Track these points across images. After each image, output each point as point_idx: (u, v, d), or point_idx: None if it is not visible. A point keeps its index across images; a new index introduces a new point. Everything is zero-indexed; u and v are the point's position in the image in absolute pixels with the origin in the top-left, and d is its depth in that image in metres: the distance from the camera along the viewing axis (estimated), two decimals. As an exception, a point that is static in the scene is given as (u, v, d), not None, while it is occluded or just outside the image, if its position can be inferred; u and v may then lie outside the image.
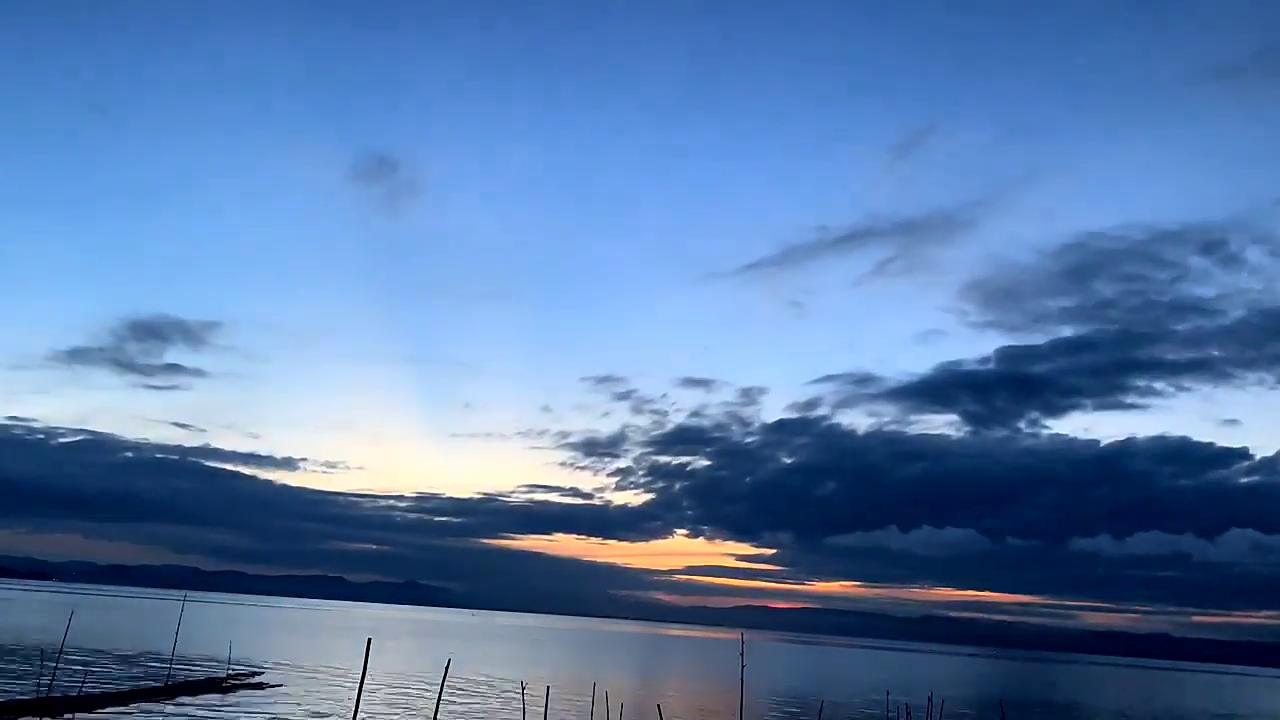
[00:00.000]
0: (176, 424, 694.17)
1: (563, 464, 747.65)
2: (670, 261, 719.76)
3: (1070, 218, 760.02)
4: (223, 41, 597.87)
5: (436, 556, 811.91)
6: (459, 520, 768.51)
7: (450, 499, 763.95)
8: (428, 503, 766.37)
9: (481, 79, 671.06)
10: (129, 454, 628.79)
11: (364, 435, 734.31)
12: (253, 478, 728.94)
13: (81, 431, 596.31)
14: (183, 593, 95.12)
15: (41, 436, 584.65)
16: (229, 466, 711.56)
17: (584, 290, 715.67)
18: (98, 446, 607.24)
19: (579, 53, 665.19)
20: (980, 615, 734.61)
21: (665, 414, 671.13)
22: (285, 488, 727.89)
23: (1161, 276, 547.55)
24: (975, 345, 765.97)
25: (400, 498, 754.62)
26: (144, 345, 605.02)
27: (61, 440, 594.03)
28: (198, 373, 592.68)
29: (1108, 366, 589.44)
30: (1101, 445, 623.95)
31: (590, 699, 40.23)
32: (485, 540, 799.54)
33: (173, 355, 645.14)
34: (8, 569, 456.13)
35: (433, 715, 26.63)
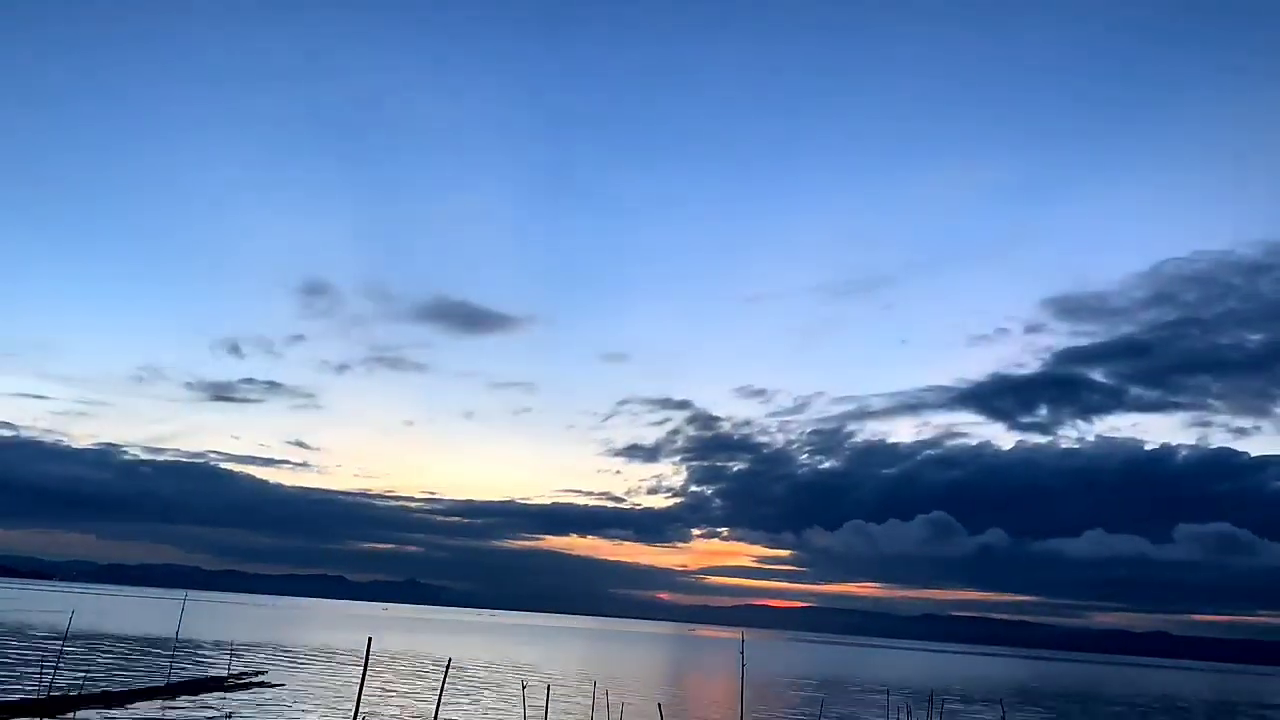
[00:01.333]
0: (233, 436, 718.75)
1: (600, 470, 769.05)
2: (734, 278, 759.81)
3: (1171, 236, 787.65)
4: (329, 85, 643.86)
5: (445, 557, 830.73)
6: (476, 522, 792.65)
7: (462, 501, 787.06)
8: (440, 504, 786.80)
9: (542, 100, 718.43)
10: (144, 459, 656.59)
11: (413, 445, 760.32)
12: (264, 480, 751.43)
13: (102, 440, 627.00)
14: (184, 592, 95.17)
15: (62, 442, 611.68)
16: (249, 470, 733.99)
17: (648, 305, 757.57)
18: (114, 453, 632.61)
19: (652, 68, 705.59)
20: (998, 616, 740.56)
21: (716, 421, 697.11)
22: (299, 489, 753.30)
23: (1264, 288, 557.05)
24: (1031, 354, 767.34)
25: (410, 498, 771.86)
26: (220, 361, 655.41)
27: (77, 446, 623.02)
28: (270, 385, 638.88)
29: (1160, 371, 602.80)
30: (1147, 449, 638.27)
31: (590, 698, 40.18)
32: (495, 542, 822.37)
33: (247, 369, 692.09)
34: (8, 569, 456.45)
35: (433, 714, 26.61)
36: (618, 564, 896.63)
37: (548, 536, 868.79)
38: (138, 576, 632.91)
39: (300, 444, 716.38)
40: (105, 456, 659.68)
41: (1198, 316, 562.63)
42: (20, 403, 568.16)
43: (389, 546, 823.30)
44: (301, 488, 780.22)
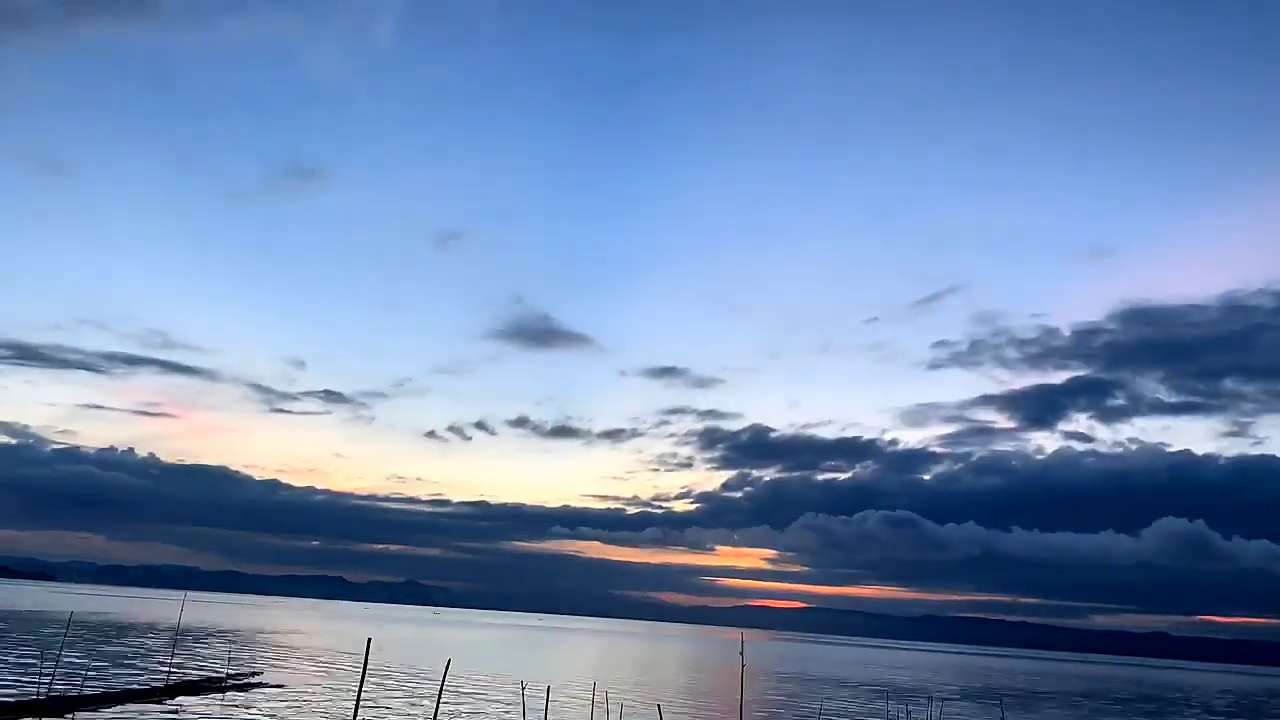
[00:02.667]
0: (274, 443, 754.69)
1: (632, 477, 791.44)
2: (777, 292, 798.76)
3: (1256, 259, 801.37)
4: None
5: (450, 559, 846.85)
6: (486, 525, 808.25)
7: (474, 503, 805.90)
8: (449, 507, 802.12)
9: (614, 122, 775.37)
10: (153, 461, 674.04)
11: (452, 453, 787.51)
12: (276, 483, 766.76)
13: (119, 444, 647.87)
14: (183, 592, 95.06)
15: (78, 447, 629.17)
16: (274, 476, 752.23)
17: (694, 320, 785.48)
18: (125, 456, 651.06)
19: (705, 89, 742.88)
20: (1008, 618, 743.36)
21: (751, 431, 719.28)
22: (306, 491, 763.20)
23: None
24: (1080, 360, 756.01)
25: (415, 500, 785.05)
26: (283, 372, 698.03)
27: (94, 449, 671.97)
28: (328, 394, 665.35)
29: (1204, 374, 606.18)
30: (1181, 454, 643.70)
31: (590, 699, 40.11)
32: (504, 544, 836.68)
33: (314, 382, 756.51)
34: (9, 569, 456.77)
35: (433, 715, 26.54)
36: (627, 565, 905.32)
37: (558, 541, 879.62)
38: (138, 577, 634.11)
39: (339, 454, 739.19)
40: (117, 459, 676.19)
41: (1272, 324, 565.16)
42: (53, 410, 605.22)
43: (402, 548, 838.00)
44: (310, 488, 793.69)
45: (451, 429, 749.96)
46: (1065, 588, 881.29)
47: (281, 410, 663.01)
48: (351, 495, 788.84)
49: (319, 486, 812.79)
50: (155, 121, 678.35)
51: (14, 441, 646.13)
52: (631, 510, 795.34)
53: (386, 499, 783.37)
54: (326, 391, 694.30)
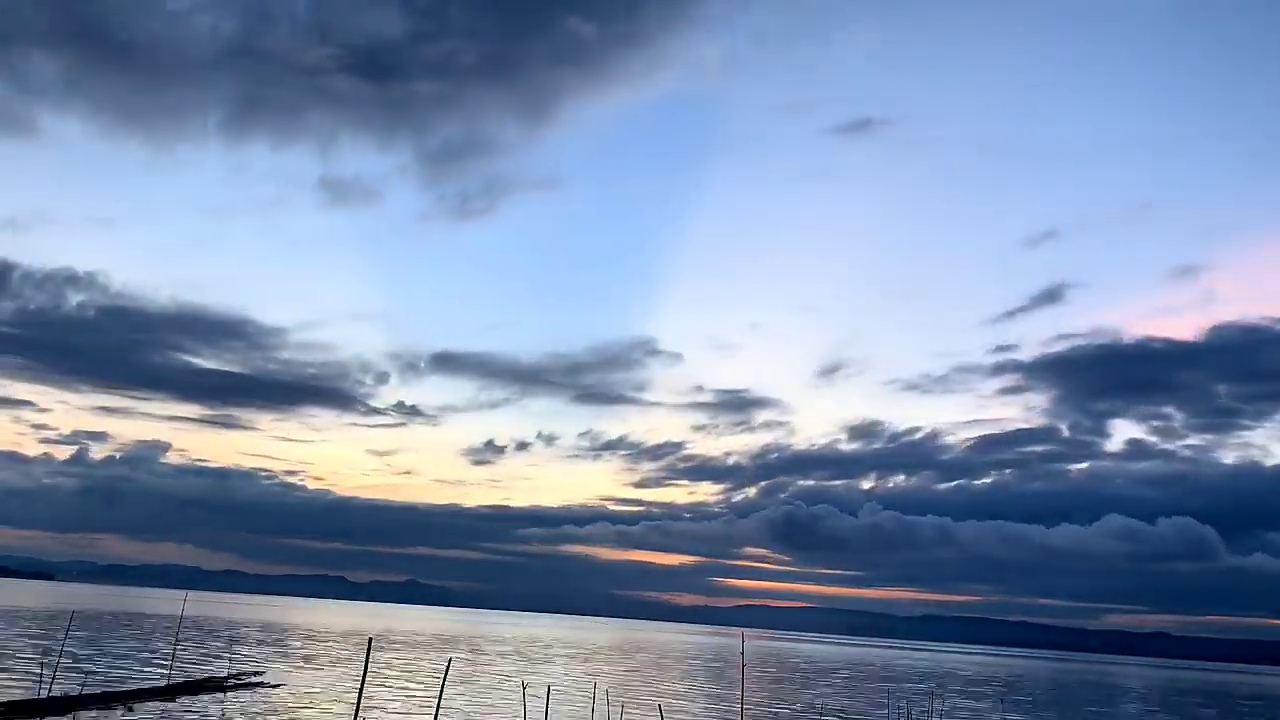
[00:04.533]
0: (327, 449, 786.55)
1: (664, 484, 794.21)
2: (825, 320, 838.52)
3: None
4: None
5: (453, 559, 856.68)
6: (498, 526, 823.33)
7: (493, 507, 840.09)
8: (458, 509, 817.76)
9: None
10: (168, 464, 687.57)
11: (504, 460, 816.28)
12: (289, 484, 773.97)
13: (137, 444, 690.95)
14: (184, 592, 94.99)
15: (107, 450, 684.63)
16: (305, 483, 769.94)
17: (749, 340, 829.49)
18: (138, 457, 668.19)
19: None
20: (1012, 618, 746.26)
21: (812, 445, 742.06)
22: (322, 492, 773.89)
23: None
24: (1142, 371, 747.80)
25: (425, 502, 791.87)
26: (365, 385, 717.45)
27: (110, 452, 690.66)
28: (410, 410, 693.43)
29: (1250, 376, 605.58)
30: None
31: (591, 698, 40.09)
32: (510, 545, 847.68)
33: (393, 395, 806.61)
34: (9, 570, 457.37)
35: (434, 715, 26.51)
36: (639, 566, 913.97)
37: (570, 544, 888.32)
38: (139, 576, 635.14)
39: (390, 464, 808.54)
40: (130, 461, 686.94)
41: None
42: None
43: (410, 549, 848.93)
44: (324, 491, 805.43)
45: (513, 440, 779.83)
46: (1075, 589, 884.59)
47: (356, 425, 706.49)
48: (360, 497, 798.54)
49: (333, 489, 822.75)
50: (298, 157, 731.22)
51: (72, 450, 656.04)
52: (656, 513, 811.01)
53: (397, 501, 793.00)
54: (399, 404, 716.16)
